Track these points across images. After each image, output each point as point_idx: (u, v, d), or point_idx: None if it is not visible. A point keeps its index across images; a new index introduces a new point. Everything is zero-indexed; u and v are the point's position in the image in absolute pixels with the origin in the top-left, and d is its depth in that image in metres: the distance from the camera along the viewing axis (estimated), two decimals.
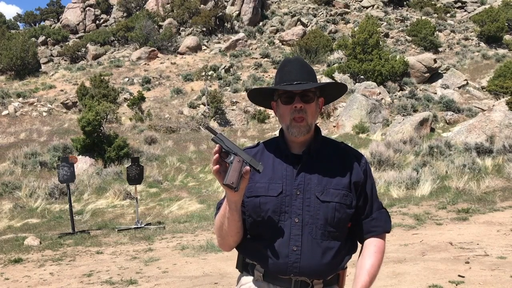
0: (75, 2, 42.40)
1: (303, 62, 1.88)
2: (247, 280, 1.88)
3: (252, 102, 2.03)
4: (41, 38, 40.00)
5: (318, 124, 1.92)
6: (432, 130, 18.72)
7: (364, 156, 1.96)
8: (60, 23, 43.29)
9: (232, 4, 38.82)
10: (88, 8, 42.26)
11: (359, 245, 1.92)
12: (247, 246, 1.86)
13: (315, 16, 39.08)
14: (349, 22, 37.92)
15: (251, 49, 33.85)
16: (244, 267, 1.90)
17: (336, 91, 1.95)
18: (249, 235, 1.87)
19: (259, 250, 1.81)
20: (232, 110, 23.21)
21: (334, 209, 1.77)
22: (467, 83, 26.19)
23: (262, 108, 23.30)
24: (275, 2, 43.09)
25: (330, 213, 1.77)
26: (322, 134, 1.93)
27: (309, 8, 40.77)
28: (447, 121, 20.26)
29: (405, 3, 43.06)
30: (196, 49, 33.74)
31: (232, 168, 1.64)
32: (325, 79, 25.22)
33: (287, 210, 1.78)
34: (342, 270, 1.88)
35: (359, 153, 1.93)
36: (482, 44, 34.25)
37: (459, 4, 43.17)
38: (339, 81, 26.01)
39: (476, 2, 43.02)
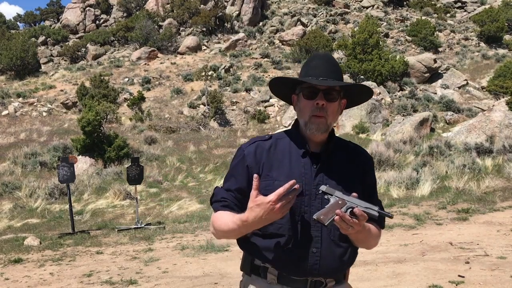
0: (75, 2, 42.40)
1: (332, 59, 1.80)
2: (259, 284, 1.79)
3: (271, 91, 1.94)
4: (41, 38, 40.00)
5: None
6: (432, 130, 18.72)
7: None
8: (60, 23, 43.30)
9: (232, 4, 38.81)
10: (88, 8, 42.25)
11: None
12: (259, 247, 1.76)
13: (315, 16, 39.06)
14: (349, 22, 37.91)
15: (251, 49, 33.83)
16: (253, 270, 1.80)
17: (360, 95, 1.87)
18: (261, 236, 1.76)
19: (274, 251, 1.73)
20: (232, 110, 23.21)
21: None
22: (467, 83, 26.20)
23: (262, 108, 23.29)
24: (275, 2, 43.07)
25: None
26: None
27: (309, 8, 40.75)
28: (447, 121, 20.26)
29: (405, 3, 43.05)
30: (196, 49, 33.73)
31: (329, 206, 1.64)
32: None
33: (306, 210, 1.73)
34: None
35: (367, 153, 1.93)
36: (482, 44, 34.26)
37: (459, 4, 43.19)
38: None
39: (476, 2, 43.03)
